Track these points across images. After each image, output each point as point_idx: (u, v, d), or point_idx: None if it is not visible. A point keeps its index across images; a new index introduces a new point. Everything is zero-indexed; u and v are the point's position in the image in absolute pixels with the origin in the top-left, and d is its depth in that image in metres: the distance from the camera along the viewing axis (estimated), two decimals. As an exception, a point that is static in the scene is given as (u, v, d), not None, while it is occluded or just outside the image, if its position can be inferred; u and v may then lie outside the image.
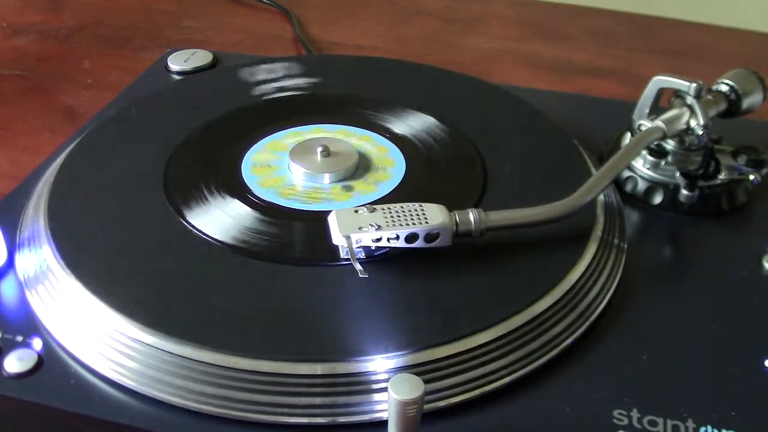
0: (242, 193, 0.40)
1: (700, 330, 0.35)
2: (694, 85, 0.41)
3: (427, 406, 0.30)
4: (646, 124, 0.42)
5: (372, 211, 0.34)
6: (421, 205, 0.35)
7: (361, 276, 0.32)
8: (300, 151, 0.42)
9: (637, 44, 0.66)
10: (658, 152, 0.42)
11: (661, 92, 0.43)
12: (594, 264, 0.36)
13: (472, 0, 0.75)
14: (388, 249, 0.35)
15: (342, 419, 0.30)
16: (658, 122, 0.41)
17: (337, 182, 0.40)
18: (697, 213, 0.41)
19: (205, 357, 0.31)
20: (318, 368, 0.31)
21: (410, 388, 0.27)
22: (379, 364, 0.31)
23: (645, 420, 0.31)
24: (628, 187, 0.43)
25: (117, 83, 0.56)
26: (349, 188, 0.40)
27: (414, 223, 0.34)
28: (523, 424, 0.31)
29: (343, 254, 0.35)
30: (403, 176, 0.41)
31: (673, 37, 0.68)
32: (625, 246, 0.39)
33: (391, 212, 0.34)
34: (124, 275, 0.35)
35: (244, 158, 0.42)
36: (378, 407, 0.30)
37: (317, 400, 0.30)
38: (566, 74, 0.62)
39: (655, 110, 0.43)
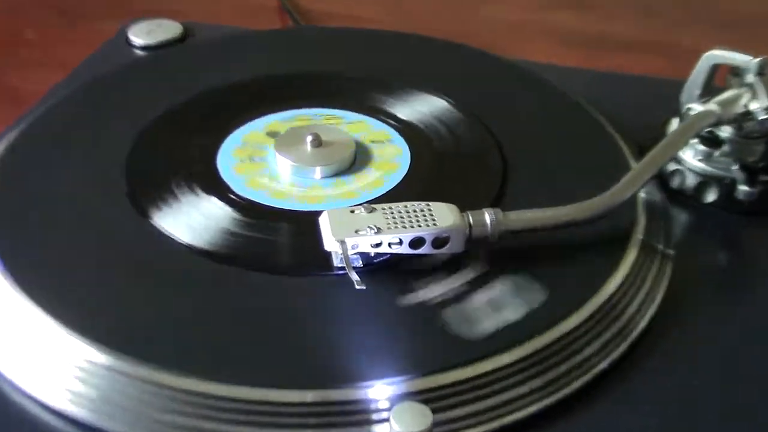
0: (219, 189, 0.40)
1: (761, 351, 0.35)
2: (757, 60, 0.41)
3: (435, 440, 0.30)
4: (696, 108, 0.42)
5: (371, 212, 0.35)
6: (428, 205, 0.35)
7: (357, 288, 0.33)
8: (286, 141, 0.42)
9: (684, 13, 0.67)
10: (712, 141, 0.42)
11: (715, 70, 0.43)
12: (634, 274, 0.37)
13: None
14: (389, 256, 0.35)
15: (336, 455, 0.31)
16: (711, 105, 0.41)
17: (330, 177, 0.41)
18: (757, 212, 0.42)
19: (175, 382, 0.31)
20: (308, 395, 0.31)
21: (415, 418, 0.28)
22: (380, 390, 0.31)
23: (695, 461, 0.31)
24: (675, 183, 0.43)
25: (68, 60, 0.56)
26: (343, 184, 0.41)
27: (420, 226, 0.34)
28: (549, 462, 0.31)
29: (336, 262, 0.35)
30: (408, 170, 0.41)
31: (727, 6, 0.68)
32: (672, 252, 0.39)
33: (392, 213, 0.35)
34: (78, 286, 0.35)
35: (220, 149, 0.43)
36: (378, 441, 0.31)
37: (307, 433, 0.31)
38: (600, 49, 0.62)
39: (708, 91, 0.43)
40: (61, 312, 0.34)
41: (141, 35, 0.54)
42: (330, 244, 0.34)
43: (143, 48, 0.54)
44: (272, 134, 0.44)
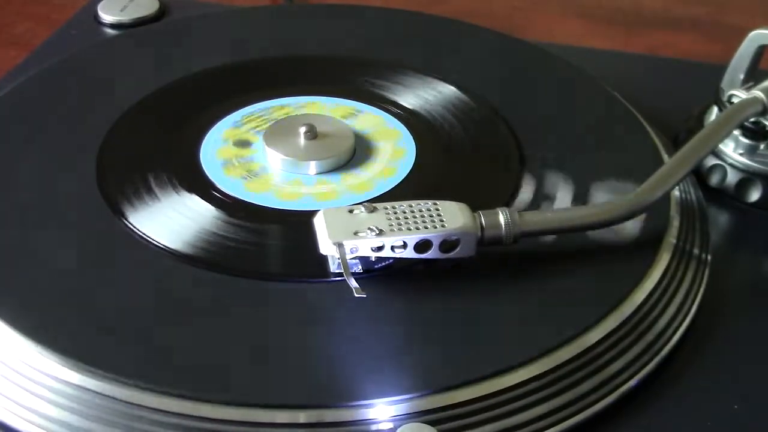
0: (202, 186, 0.41)
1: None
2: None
3: (443, 465, 0.31)
4: (739, 95, 0.42)
5: (372, 211, 0.36)
6: (435, 204, 0.36)
7: (357, 296, 0.33)
8: (277, 132, 0.43)
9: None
10: (757, 133, 0.43)
11: (761, 51, 0.44)
12: (666, 281, 0.37)
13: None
14: (392, 261, 0.36)
15: (332, 481, 0.32)
16: (757, 92, 0.42)
17: (326, 173, 0.42)
18: (807, 214, 0.42)
19: (154, 402, 0.32)
20: (301, 416, 0.32)
21: (421, 440, 0.29)
22: (382, 410, 0.32)
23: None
24: (714, 180, 0.44)
25: (28, 38, 0.57)
26: (341, 181, 0.42)
27: (426, 227, 0.35)
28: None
29: (333, 267, 0.36)
30: (413, 165, 0.42)
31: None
32: (709, 258, 0.40)
33: (396, 213, 0.36)
34: (45, 296, 0.36)
35: (204, 141, 0.44)
36: (379, 467, 0.32)
37: (300, 457, 0.32)
38: (632, 27, 0.62)
39: (753, 76, 0.44)
40: (25, 325, 0.34)
41: (112, 11, 0.55)
42: (326, 247, 0.35)
43: (114, 26, 0.55)
44: (260, 125, 0.44)
